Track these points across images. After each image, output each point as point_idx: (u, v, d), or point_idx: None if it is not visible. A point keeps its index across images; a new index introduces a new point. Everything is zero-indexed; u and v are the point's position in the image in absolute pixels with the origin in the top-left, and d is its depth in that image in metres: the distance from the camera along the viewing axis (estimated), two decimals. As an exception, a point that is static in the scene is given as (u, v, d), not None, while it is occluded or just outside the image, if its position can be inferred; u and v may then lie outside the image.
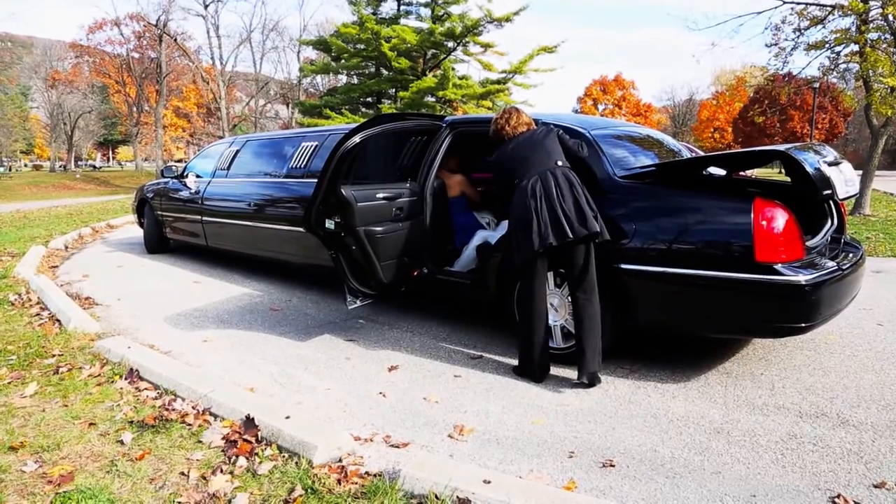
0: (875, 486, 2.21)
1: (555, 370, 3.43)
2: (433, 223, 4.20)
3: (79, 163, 64.16)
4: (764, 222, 2.89)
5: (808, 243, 3.32)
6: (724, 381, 3.23)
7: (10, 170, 55.28)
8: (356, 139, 3.44)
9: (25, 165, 66.23)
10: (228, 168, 6.35)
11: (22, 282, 5.75)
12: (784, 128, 41.68)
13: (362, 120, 3.93)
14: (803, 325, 2.93)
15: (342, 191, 3.50)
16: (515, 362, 3.53)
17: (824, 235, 3.58)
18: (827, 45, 12.10)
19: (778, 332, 3.09)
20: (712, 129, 52.06)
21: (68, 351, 3.73)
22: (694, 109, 60.72)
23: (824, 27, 12.26)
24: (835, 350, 3.71)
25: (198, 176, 6.76)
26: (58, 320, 4.39)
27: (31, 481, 2.29)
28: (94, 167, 65.74)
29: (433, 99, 25.49)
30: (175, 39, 40.45)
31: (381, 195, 3.75)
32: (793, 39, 12.71)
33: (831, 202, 3.87)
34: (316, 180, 3.58)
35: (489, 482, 2.02)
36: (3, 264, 6.78)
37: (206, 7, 40.38)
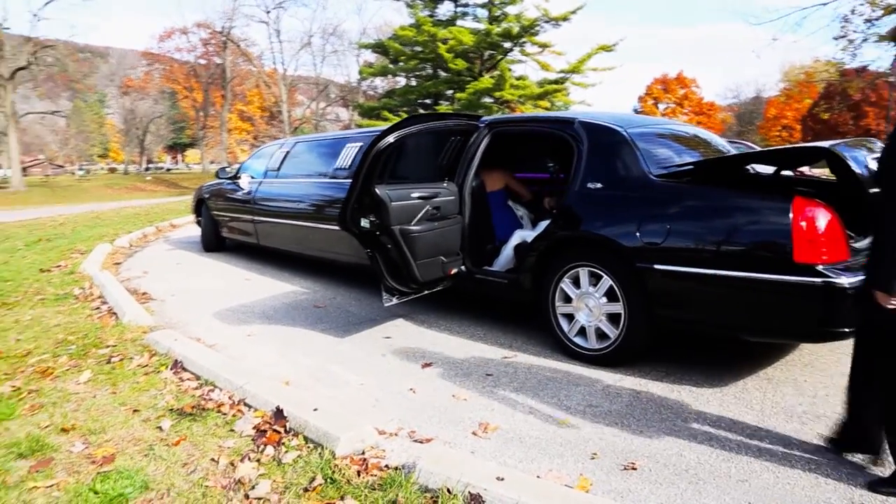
0: (914, 502, 2.11)
1: (587, 371, 3.41)
2: (472, 223, 4.22)
3: (149, 165, 66.99)
4: (804, 222, 2.79)
5: (856, 245, 3.19)
6: (764, 387, 3.14)
7: (87, 173, 58.25)
8: (390, 139, 3.51)
9: (101, 168, 69.56)
10: (278, 169, 6.54)
11: (87, 277, 6.07)
12: (857, 125, 39.70)
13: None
14: (846, 329, 2.81)
15: (376, 190, 3.57)
16: (550, 363, 3.53)
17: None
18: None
19: (818, 337, 2.97)
20: (780, 128, 50.09)
21: (121, 342, 3.92)
22: (760, 107, 58.60)
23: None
24: (888, 358, 3.53)
25: (251, 177, 6.98)
26: (115, 313, 4.63)
27: (77, 460, 2.45)
28: (167, 169, 68.53)
29: (490, 100, 25.50)
30: (239, 45, 41.80)
31: (416, 194, 3.80)
32: (862, 31, 12.17)
33: None
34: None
35: (502, 479, 2.03)
36: (72, 261, 7.17)
37: (268, 13, 41.58)
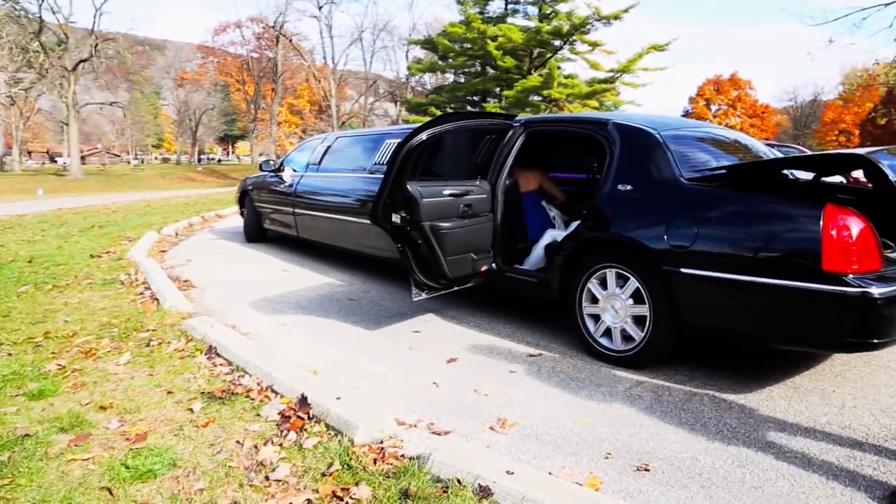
0: (932, 518, 2.07)
1: (611, 372, 3.42)
2: (504, 221, 4.26)
3: (201, 156, 68.80)
4: (834, 230, 2.74)
5: (892, 254, 3.12)
6: (790, 396, 3.09)
7: (141, 162, 60.18)
8: (423, 136, 3.57)
9: (155, 158, 71.78)
10: (319, 163, 6.68)
11: (133, 263, 6.32)
12: (921, 131, 38.14)
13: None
14: (875, 341, 2.75)
15: (408, 186, 3.64)
16: (574, 362, 3.55)
17: None
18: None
19: (846, 347, 2.92)
20: (837, 132, 48.48)
21: (161, 327, 4.10)
22: (818, 111, 56.82)
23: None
24: (926, 372, 3.45)
25: (294, 170, 7.15)
26: (156, 299, 4.82)
27: (112, 437, 2.59)
28: (218, 160, 70.26)
29: (538, 98, 25.42)
30: (290, 40, 42.54)
31: (447, 192, 3.86)
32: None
33: None
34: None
35: (512, 473, 2.08)
36: (121, 248, 7.48)
37: (319, 9, 42.23)
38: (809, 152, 5.59)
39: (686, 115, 55.85)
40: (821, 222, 2.76)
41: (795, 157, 3.39)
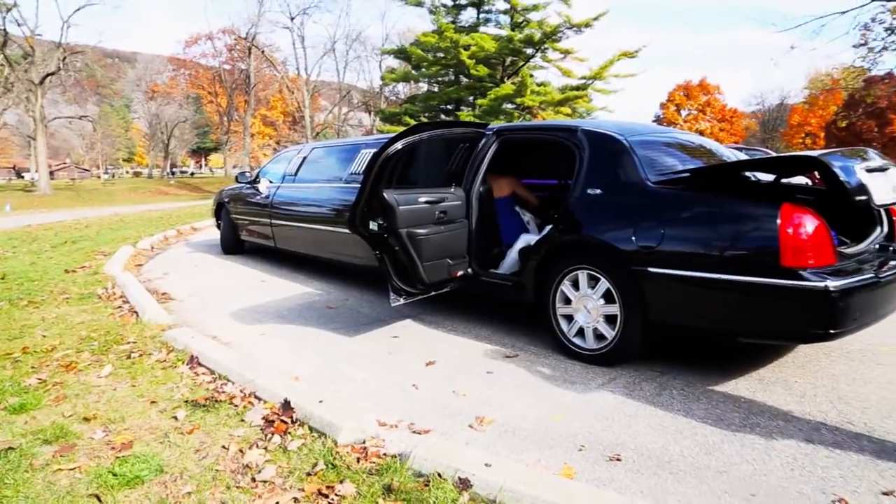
0: (883, 494, 2.21)
1: (584, 370, 3.54)
2: (479, 227, 4.37)
3: (174, 170, 68.12)
4: (790, 228, 2.90)
5: (847, 250, 3.28)
6: (755, 387, 3.24)
7: (112, 176, 59.38)
8: (398, 146, 3.68)
9: (126, 172, 70.90)
10: (295, 174, 6.75)
11: (109, 278, 6.31)
12: (882, 132, 39.18)
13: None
14: (831, 331, 2.91)
15: (384, 195, 3.74)
16: (549, 362, 3.67)
17: (871, 243, 3.51)
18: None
19: (805, 338, 3.09)
20: (803, 135, 49.62)
21: (141, 339, 4.13)
22: (785, 114, 58.07)
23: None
24: (882, 361, 3.61)
25: (270, 181, 7.19)
26: (135, 312, 4.84)
27: (97, 446, 2.63)
28: (191, 173, 69.61)
29: (511, 106, 25.65)
30: (263, 51, 42.40)
31: (423, 199, 3.96)
32: (882, 39, 12.13)
33: (882, 209, 3.78)
34: None
35: (490, 465, 2.18)
36: (96, 262, 7.45)
37: (292, 20, 42.30)
38: (774, 155, 5.79)
39: (657, 120, 56.75)
40: (778, 221, 2.91)
41: (755, 159, 3.55)
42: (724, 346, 3.86)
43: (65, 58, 36.60)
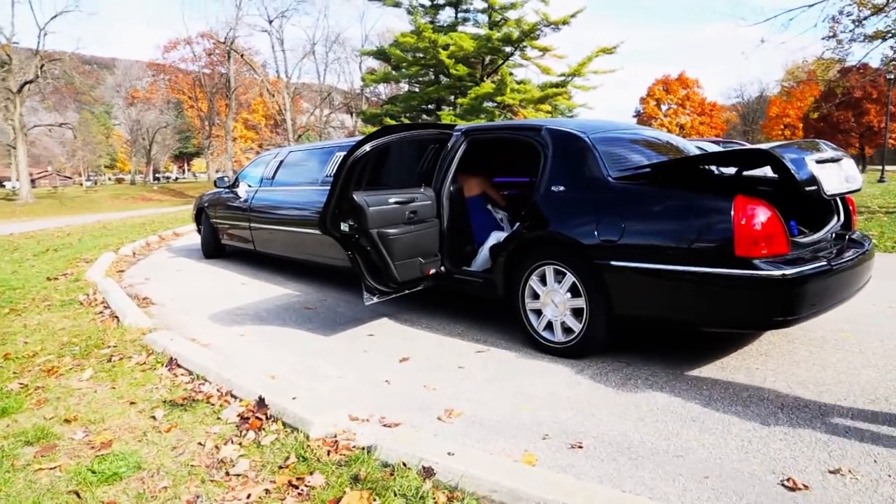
0: (830, 472, 2.33)
1: (553, 363, 3.64)
2: (450, 226, 4.47)
3: (157, 175, 67.67)
4: (744, 219, 3.01)
5: (803, 239, 3.41)
6: (717, 374, 3.36)
7: (94, 183, 58.89)
8: (366, 148, 3.76)
9: (109, 179, 70.34)
10: (273, 177, 6.81)
11: (91, 284, 6.35)
12: (859, 122, 39.77)
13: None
14: (787, 318, 3.04)
15: (354, 196, 3.82)
16: (519, 356, 3.78)
17: (827, 231, 3.64)
18: (891, 34, 11.71)
19: (762, 326, 3.22)
20: (782, 126, 50.21)
21: (121, 343, 4.19)
22: (764, 106, 58.74)
23: (887, 16, 11.87)
24: (842, 346, 3.74)
25: (248, 185, 7.26)
26: (116, 317, 4.89)
27: (77, 446, 2.71)
28: (175, 179, 69.17)
29: (492, 104, 25.71)
30: (242, 55, 42.22)
31: (393, 200, 4.05)
32: (850, 30, 12.37)
33: (838, 199, 3.91)
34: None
35: (452, 454, 2.28)
36: (78, 269, 7.47)
37: (270, 23, 42.17)
38: (749, 147, 5.92)
39: (637, 115, 57.25)
40: (731, 212, 3.03)
41: (711, 153, 3.68)
42: (692, 337, 3.98)
43: (42, 65, 36.31)
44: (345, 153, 5.56)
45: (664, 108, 56.04)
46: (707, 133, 50.62)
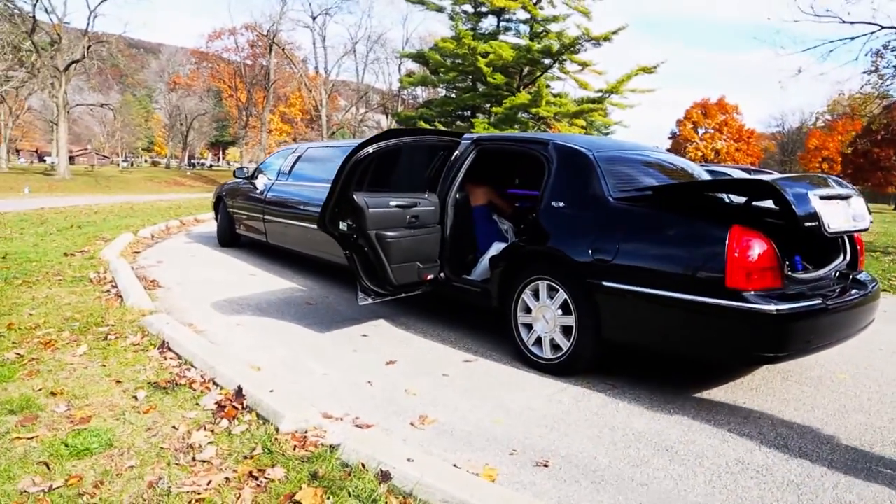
0: (795, 516, 2.28)
1: (538, 378, 3.63)
2: (453, 233, 4.48)
3: (192, 161, 68.80)
4: (738, 250, 2.97)
5: (803, 275, 3.36)
6: (701, 405, 3.31)
7: (130, 165, 60.09)
8: (369, 149, 3.80)
9: (145, 161, 71.73)
10: (289, 172, 6.91)
11: (104, 262, 6.49)
12: (902, 159, 38.82)
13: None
14: (773, 354, 2.99)
15: (354, 196, 3.85)
16: (506, 368, 3.77)
17: (830, 269, 3.58)
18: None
19: (748, 359, 3.18)
20: (820, 159, 49.29)
21: (120, 322, 4.27)
22: (804, 138, 57.76)
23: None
24: (837, 388, 3.67)
25: (267, 178, 7.36)
26: (120, 297, 4.99)
27: (58, 419, 2.78)
28: (209, 166, 70.28)
29: (527, 115, 25.68)
30: (283, 49, 42.77)
31: (394, 203, 4.07)
32: (894, 66, 12.11)
33: (845, 237, 3.85)
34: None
35: (412, 461, 2.28)
36: (95, 247, 7.64)
37: (313, 19, 42.76)
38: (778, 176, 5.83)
39: (673, 136, 56.69)
40: (726, 242, 2.99)
41: (716, 180, 3.64)
42: (685, 365, 3.92)
43: (90, 46, 37.16)
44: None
45: (700, 131, 55.44)
46: (742, 160, 49.88)
